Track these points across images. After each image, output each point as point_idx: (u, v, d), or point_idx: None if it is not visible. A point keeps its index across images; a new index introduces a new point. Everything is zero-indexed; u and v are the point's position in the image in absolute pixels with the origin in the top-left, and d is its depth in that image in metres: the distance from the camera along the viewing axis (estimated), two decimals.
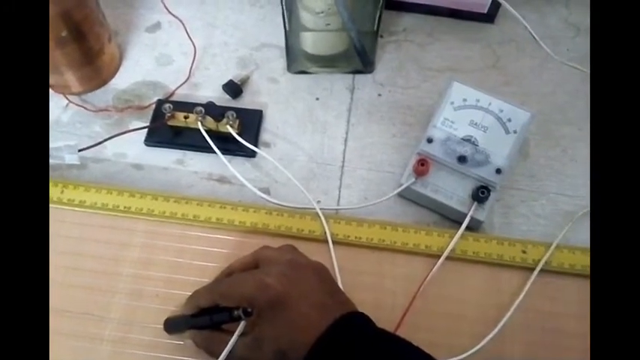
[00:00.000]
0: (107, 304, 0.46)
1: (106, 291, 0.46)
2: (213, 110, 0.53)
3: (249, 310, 0.37)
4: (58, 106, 0.57)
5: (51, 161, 0.51)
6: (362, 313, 0.38)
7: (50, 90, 0.57)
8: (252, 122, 0.56)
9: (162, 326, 0.44)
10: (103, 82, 0.59)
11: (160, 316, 0.44)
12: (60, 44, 0.52)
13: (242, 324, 0.38)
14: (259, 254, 0.42)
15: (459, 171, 0.50)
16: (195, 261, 0.48)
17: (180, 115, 0.54)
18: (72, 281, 0.46)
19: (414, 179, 0.50)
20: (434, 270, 0.47)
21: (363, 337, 0.36)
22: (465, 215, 0.48)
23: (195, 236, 0.49)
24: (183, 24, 0.62)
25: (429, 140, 0.51)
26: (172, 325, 0.43)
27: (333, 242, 0.48)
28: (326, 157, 0.55)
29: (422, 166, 0.49)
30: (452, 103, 0.52)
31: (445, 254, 0.47)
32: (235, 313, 0.37)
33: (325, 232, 0.48)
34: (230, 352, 0.38)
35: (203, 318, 0.40)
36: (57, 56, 0.53)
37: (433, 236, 0.49)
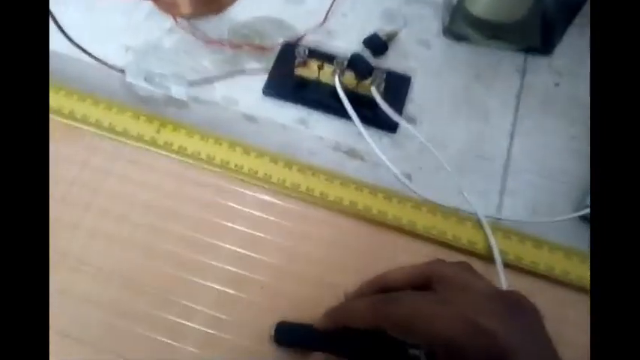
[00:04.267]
0: (197, 289, 0.35)
1: (197, 270, 0.35)
2: (360, 65, 0.42)
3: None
4: (160, 28, 0.46)
5: (153, 89, 0.40)
6: None
7: (154, 7, 0.46)
8: (398, 90, 0.44)
9: (268, 331, 0.32)
10: (220, 8, 0.47)
11: (263, 316, 0.33)
12: None
13: None
14: (434, 270, 0.30)
15: None
16: (319, 250, 0.36)
17: (314, 64, 0.42)
18: (155, 249, 0.36)
19: None
20: None
21: None
22: None
23: (319, 219, 0.37)
24: None
25: None
26: (291, 336, 0.32)
27: (503, 264, 0.36)
28: (485, 151, 0.43)
29: None
30: None
31: None
32: (411, 352, 0.26)
33: (491, 247, 0.36)
34: None
35: (351, 342, 0.28)
36: None
37: None
